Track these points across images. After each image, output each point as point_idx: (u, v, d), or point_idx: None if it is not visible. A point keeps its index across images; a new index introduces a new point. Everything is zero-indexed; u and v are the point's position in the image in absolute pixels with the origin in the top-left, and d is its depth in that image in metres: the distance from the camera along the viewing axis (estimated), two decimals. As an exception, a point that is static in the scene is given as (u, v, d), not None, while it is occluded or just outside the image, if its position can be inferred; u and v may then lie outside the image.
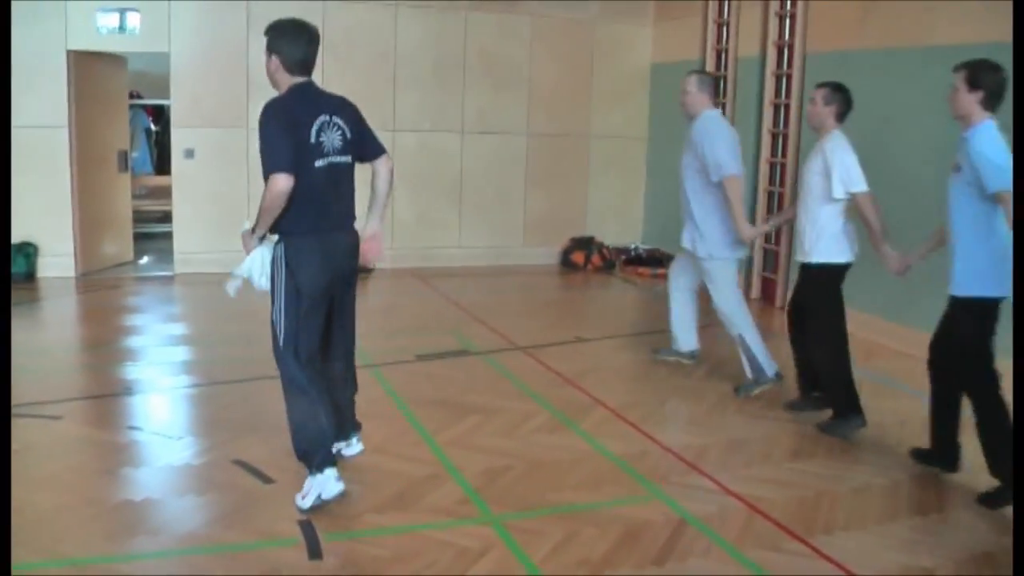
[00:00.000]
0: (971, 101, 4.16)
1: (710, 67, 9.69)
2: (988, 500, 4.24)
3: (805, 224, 5.20)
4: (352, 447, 4.46)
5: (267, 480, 4.29)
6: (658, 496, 4.26)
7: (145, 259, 10.04)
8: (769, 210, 8.85)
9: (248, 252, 3.97)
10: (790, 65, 8.50)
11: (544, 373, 6.28)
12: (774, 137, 8.78)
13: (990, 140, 4.11)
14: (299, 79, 3.94)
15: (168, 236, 9.73)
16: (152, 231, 11.07)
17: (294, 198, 3.77)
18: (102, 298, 8.24)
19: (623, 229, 10.99)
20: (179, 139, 9.28)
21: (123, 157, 9.69)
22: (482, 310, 8.10)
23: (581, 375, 6.19)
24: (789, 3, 8.56)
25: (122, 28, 8.84)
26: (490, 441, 4.91)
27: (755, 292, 9.00)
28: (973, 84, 4.15)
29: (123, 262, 9.76)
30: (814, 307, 5.28)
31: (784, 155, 8.56)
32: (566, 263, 10.65)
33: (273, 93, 3.98)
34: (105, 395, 5.49)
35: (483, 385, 5.93)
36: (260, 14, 9.10)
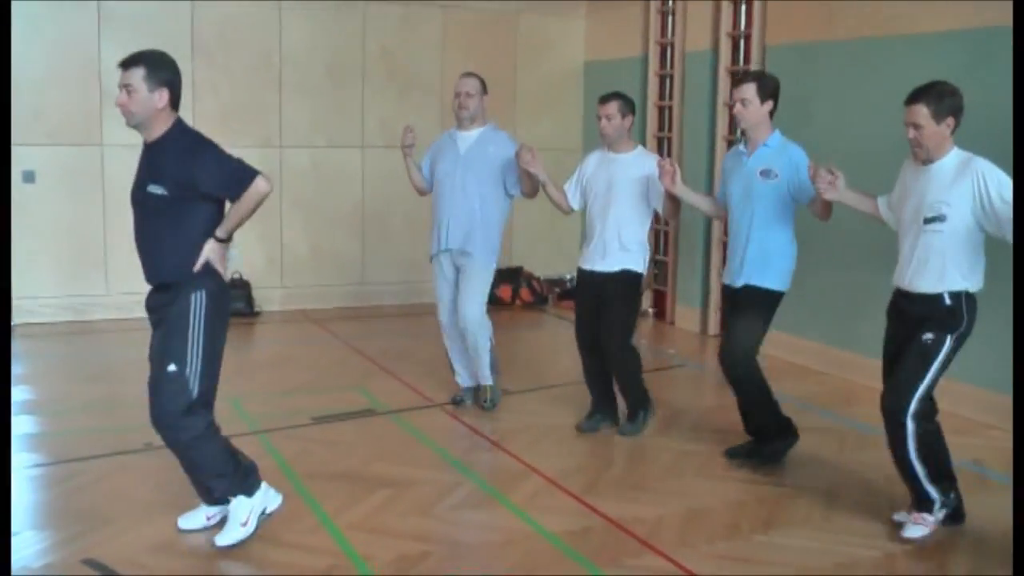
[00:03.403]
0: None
1: (654, 64, 9.81)
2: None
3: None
4: (275, 496, 4.66)
5: (126, 584, 4.13)
6: (607, 583, 4.20)
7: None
8: (726, 230, 8.95)
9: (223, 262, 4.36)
10: (747, 59, 8.63)
11: (466, 434, 6.22)
12: (730, 144, 8.88)
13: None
14: (177, 116, 4.31)
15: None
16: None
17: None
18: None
19: (555, 258, 11.00)
20: (16, 159, 9.01)
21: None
22: (391, 359, 8.01)
23: (510, 436, 6.13)
24: (743, -11, 8.72)
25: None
26: (402, 522, 4.80)
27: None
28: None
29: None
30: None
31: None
32: (491, 299, 10.50)
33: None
34: (-77, 482, 5.24)
35: (393, 452, 5.82)
36: (113, 13, 8.97)
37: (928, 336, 4.50)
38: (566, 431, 6.27)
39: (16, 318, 9.02)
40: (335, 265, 10.19)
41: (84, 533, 4.58)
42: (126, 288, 9.25)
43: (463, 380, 6.81)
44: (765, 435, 5.69)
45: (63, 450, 5.73)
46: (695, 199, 5.89)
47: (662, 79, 9.82)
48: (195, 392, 4.27)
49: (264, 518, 4.53)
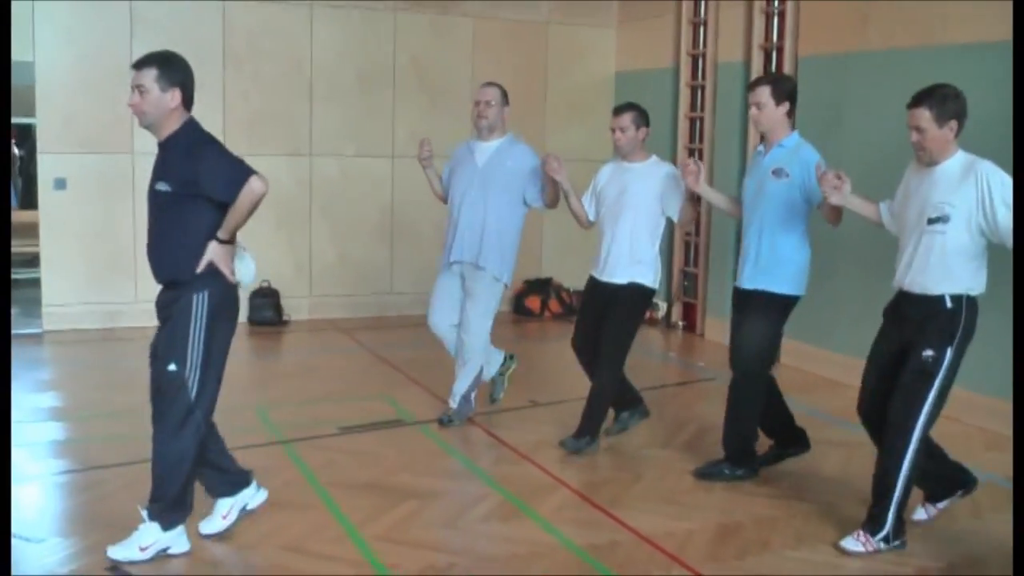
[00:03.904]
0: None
1: (685, 75, 9.78)
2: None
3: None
4: (259, 493, 4.73)
5: (151, 591, 4.14)
6: (634, 598, 4.17)
7: (7, 313, 9.80)
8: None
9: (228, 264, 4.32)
10: (779, 71, 8.58)
11: (493, 446, 6.20)
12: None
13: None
14: (189, 115, 4.31)
15: (35, 284, 9.50)
16: (15, 277, 10.80)
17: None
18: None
19: (585, 269, 10.83)
20: (48, 167, 9.09)
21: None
22: (418, 369, 7.99)
23: (538, 448, 6.10)
24: (777, 1, 8.66)
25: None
26: (428, 534, 4.79)
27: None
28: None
29: (-22, 317, 9.50)
30: None
31: (773, 177, 8.61)
32: (519, 309, 10.58)
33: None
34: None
35: (420, 463, 5.81)
36: (146, 16, 9.04)
37: (928, 353, 4.47)
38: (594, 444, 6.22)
39: (46, 324, 9.09)
40: (363, 274, 10.20)
41: (109, 540, 4.55)
42: (154, 296, 9.28)
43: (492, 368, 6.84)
44: (730, 455, 5.62)
45: (89, 457, 5.74)
46: (716, 198, 5.86)
47: (693, 90, 9.78)
48: (194, 393, 4.28)
49: (162, 556, 4.40)
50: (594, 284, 6.16)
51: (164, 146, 4.29)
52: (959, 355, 4.50)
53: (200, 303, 4.25)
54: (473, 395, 6.55)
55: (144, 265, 9.22)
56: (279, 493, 5.01)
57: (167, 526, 4.39)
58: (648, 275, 5.99)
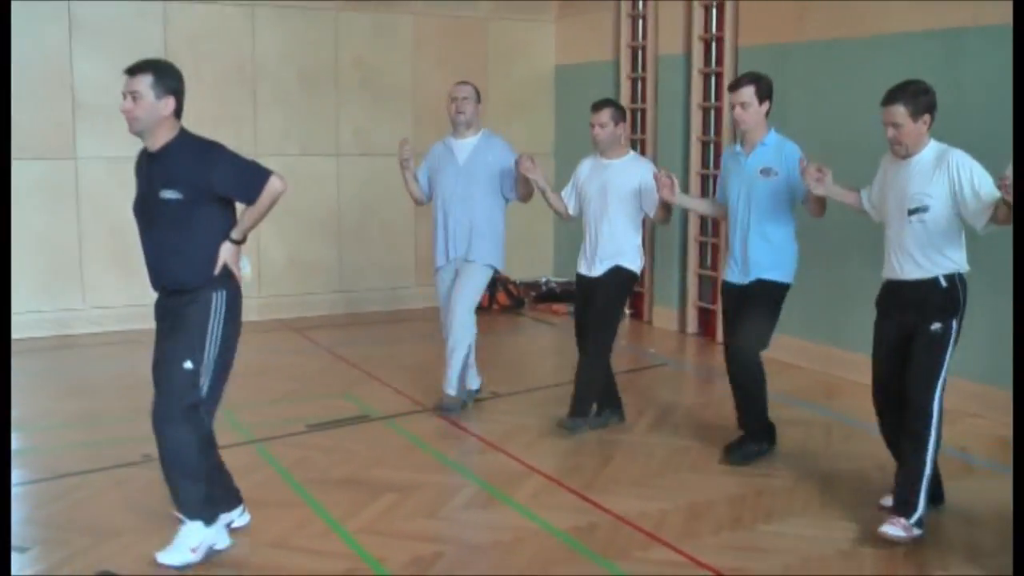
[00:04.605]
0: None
1: (625, 68, 9.93)
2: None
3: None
4: (244, 515, 4.76)
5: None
6: (620, 576, 4.29)
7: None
8: (702, 229, 9.14)
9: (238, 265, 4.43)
10: (719, 62, 8.78)
11: (462, 437, 6.31)
12: (704, 145, 9.04)
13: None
14: (180, 123, 4.35)
15: (-22, 295, 9.37)
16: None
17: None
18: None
19: (531, 261, 11.09)
20: (-12, 175, 8.97)
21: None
22: (376, 365, 8.06)
23: (505, 438, 6.22)
24: (716, -7, 8.86)
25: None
26: (411, 524, 4.88)
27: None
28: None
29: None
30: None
31: (716, 166, 8.80)
32: (468, 304, 10.64)
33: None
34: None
35: (392, 456, 5.89)
36: (85, 17, 8.95)
37: (936, 326, 4.63)
38: (558, 431, 6.34)
39: (-8, 334, 8.97)
40: (312, 273, 10.20)
41: (95, 546, 4.59)
42: (103, 302, 9.26)
43: (474, 382, 6.90)
44: (752, 433, 5.82)
45: (57, 465, 5.71)
46: (694, 204, 6.09)
47: (634, 82, 9.94)
48: (204, 389, 4.34)
49: (212, 553, 4.44)
50: (582, 279, 6.28)
51: (160, 155, 4.29)
52: (959, 327, 4.68)
53: (218, 301, 4.32)
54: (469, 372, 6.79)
55: (90, 272, 9.20)
56: (257, 491, 5.06)
57: (209, 521, 4.41)
58: (632, 261, 6.17)
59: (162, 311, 4.45)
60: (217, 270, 4.30)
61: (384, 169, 10.29)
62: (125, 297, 9.16)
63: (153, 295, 4.48)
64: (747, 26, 8.47)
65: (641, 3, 9.82)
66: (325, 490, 5.29)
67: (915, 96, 4.58)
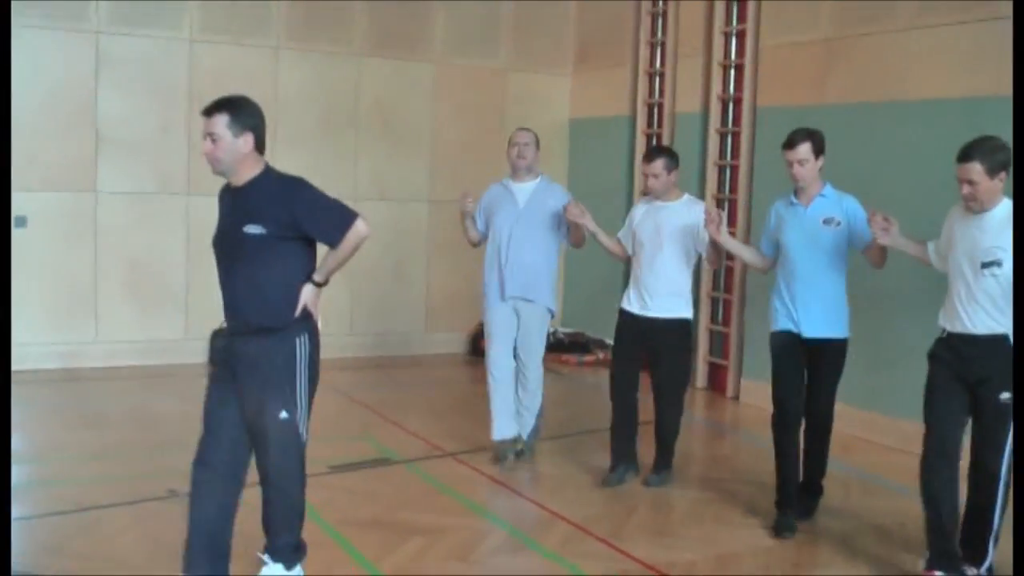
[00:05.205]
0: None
1: (641, 124, 10.08)
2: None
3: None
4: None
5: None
6: (657, 625, 4.36)
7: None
8: (715, 284, 9.24)
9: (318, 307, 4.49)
10: (736, 122, 8.93)
11: (484, 483, 6.34)
12: (719, 203, 9.16)
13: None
14: (263, 158, 4.29)
15: (-9, 324, 9.37)
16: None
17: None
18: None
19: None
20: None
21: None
22: (392, 409, 8.10)
23: (528, 484, 6.28)
24: (735, 54, 9.02)
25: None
26: (445, 568, 4.92)
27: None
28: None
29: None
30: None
31: (732, 223, 8.92)
32: (475, 351, 10.68)
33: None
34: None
35: (416, 500, 5.93)
36: (112, 53, 9.05)
37: (1006, 396, 4.61)
38: (581, 479, 6.41)
39: (4, 364, 8.97)
40: (325, 316, 10.21)
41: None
42: (116, 336, 9.28)
43: (502, 431, 6.76)
44: (812, 489, 5.84)
45: (80, 498, 5.69)
46: (738, 249, 6.15)
47: (649, 138, 10.07)
48: (304, 437, 4.37)
49: None
50: (631, 318, 6.36)
51: (245, 191, 4.23)
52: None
53: (303, 346, 4.33)
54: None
55: (105, 305, 9.21)
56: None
57: (291, 566, 4.45)
58: (687, 308, 6.37)
59: (227, 354, 4.37)
60: (298, 312, 4.27)
61: (399, 214, 10.45)
62: (139, 332, 9.22)
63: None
64: (766, 87, 8.62)
65: (659, 62, 9.99)
66: (355, 531, 5.32)
67: (992, 153, 4.58)
